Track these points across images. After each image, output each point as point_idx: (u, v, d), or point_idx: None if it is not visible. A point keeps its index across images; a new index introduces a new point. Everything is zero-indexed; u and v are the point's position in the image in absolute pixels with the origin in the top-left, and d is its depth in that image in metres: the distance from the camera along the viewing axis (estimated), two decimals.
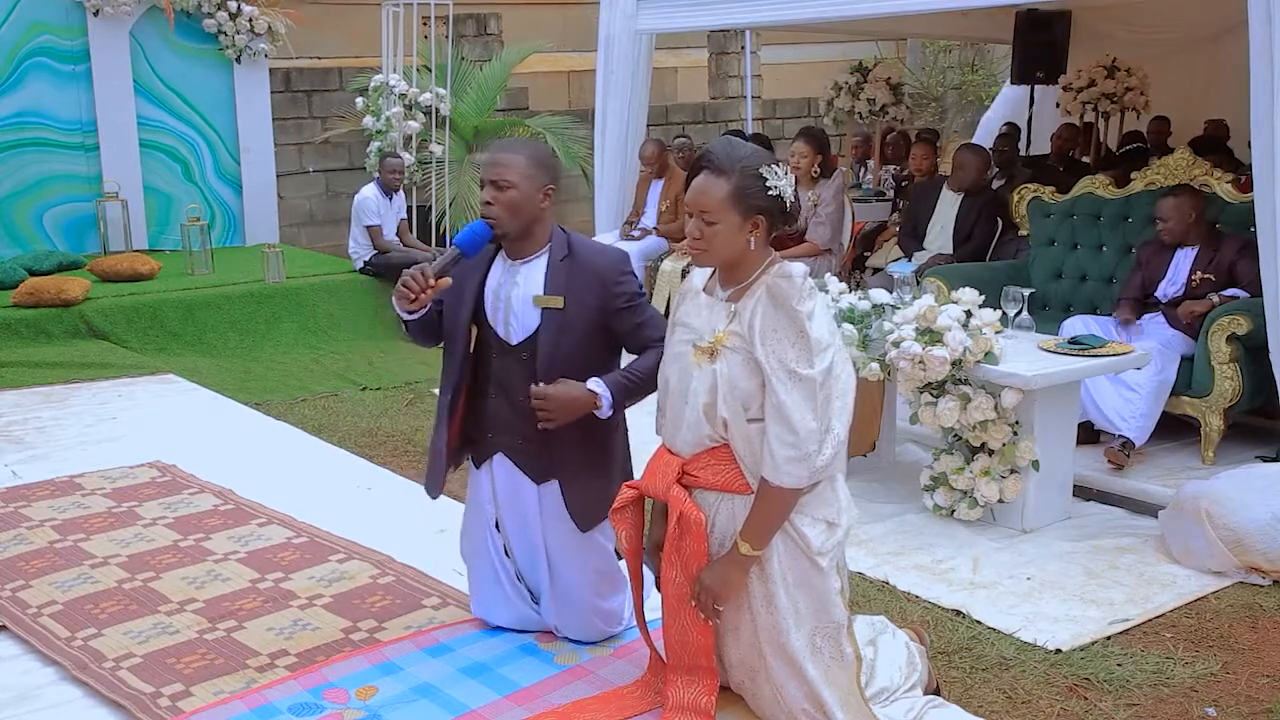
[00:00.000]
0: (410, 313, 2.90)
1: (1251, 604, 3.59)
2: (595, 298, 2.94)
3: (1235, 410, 4.71)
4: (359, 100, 9.46)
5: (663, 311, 6.52)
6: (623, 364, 3.02)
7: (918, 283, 4.83)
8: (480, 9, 11.40)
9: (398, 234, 8.01)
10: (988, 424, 4.10)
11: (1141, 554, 3.95)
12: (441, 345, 3.10)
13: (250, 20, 8.77)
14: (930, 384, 4.19)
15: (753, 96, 11.75)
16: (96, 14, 8.27)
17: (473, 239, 2.91)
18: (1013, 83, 9.73)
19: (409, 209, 8.47)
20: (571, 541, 3.05)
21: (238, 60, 8.91)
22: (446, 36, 9.51)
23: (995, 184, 7.30)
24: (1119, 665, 3.18)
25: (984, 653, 3.24)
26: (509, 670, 3.04)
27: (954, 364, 4.06)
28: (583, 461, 2.99)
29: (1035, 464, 4.10)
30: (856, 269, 7.54)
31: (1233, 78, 5.49)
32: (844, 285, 4.66)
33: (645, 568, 2.86)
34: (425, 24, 9.29)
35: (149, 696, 2.93)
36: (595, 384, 2.87)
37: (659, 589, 2.74)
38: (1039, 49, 8.81)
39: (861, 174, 10.12)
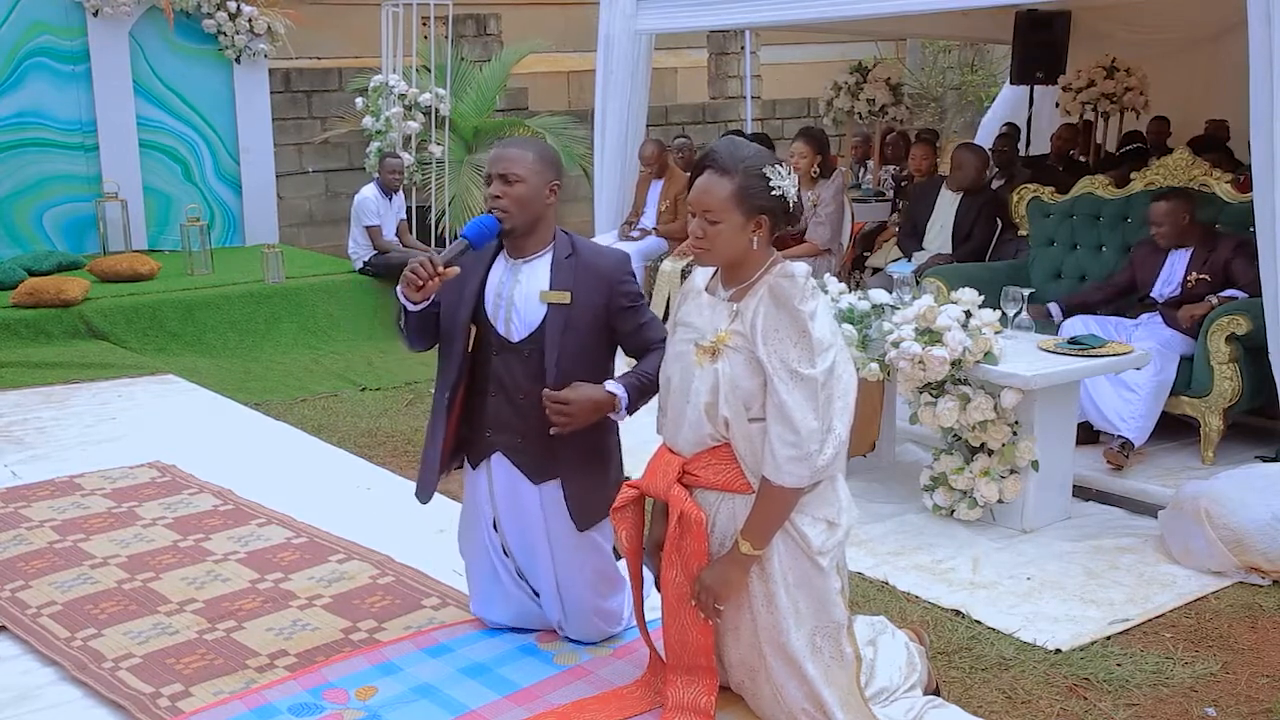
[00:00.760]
0: (414, 302, 2.91)
1: (1251, 604, 3.59)
2: (601, 296, 2.95)
3: (1235, 410, 4.71)
4: (358, 100, 9.47)
5: (662, 312, 6.53)
6: (616, 367, 3.02)
7: (917, 283, 4.84)
8: (480, 9, 11.41)
9: (397, 234, 8.01)
10: (987, 424, 4.10)
11: (1141, 554, 3.95)
12: (438, 345, 3.10)
13: (250, 20, 8.78)
14: (930, 384, 4.19)
15: (752, 97, 11.75)
16: (96, 14, 8.27)
17: (480, 231, 2.92)
18: (1012, 83, 9.74)
19: (408, 209, 8.47)
20: (572, 541, 3.05)
21: (237, 60, 8.91)
22: (446, 37, 9.51)
23: (995, 184, 7.30)
24: (1119, 665, 3.19)
25: (984, 653, 3.25)
26: (509, 670, 3.04)
27: (953, 364, 4.06)
28: (582, 461, 2.99)
29: (1035, 464, 4.10)
30: (856, 269, 7.54)
31: (1233, 78, 5.49)
32: (843, 285, 4.66)
33: (645, 567, 2.86)
34: (425, 24, 9.29)
35: (148, 697, 2.93)
36: (613, 386, 2.88)
37: (658, 589, 2.74)
38: (1038, 49, 8.81)
39: (861, 174, 10.13)
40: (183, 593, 3.56)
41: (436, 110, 9.19)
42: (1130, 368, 4.46)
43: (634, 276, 3.05)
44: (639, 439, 3.13)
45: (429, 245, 8.50)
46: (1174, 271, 5.00)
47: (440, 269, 2.83)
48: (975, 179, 6.43)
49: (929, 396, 4.22)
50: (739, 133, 9.28)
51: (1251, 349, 4.62)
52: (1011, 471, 4.12)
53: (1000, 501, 4.14)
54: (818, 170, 6.54)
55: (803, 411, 2.44)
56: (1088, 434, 4.72)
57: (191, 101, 8.84)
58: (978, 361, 4.07)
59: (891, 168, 9.42)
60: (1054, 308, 5.31)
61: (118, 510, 4.29)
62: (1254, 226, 4.47)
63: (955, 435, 4.25)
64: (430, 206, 9.19)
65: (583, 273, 2.96)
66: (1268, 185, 4.24)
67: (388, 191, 7.89)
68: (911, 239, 6.70)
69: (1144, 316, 5.03)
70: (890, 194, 8.91)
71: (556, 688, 2.95)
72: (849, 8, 6.34)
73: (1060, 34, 8.81)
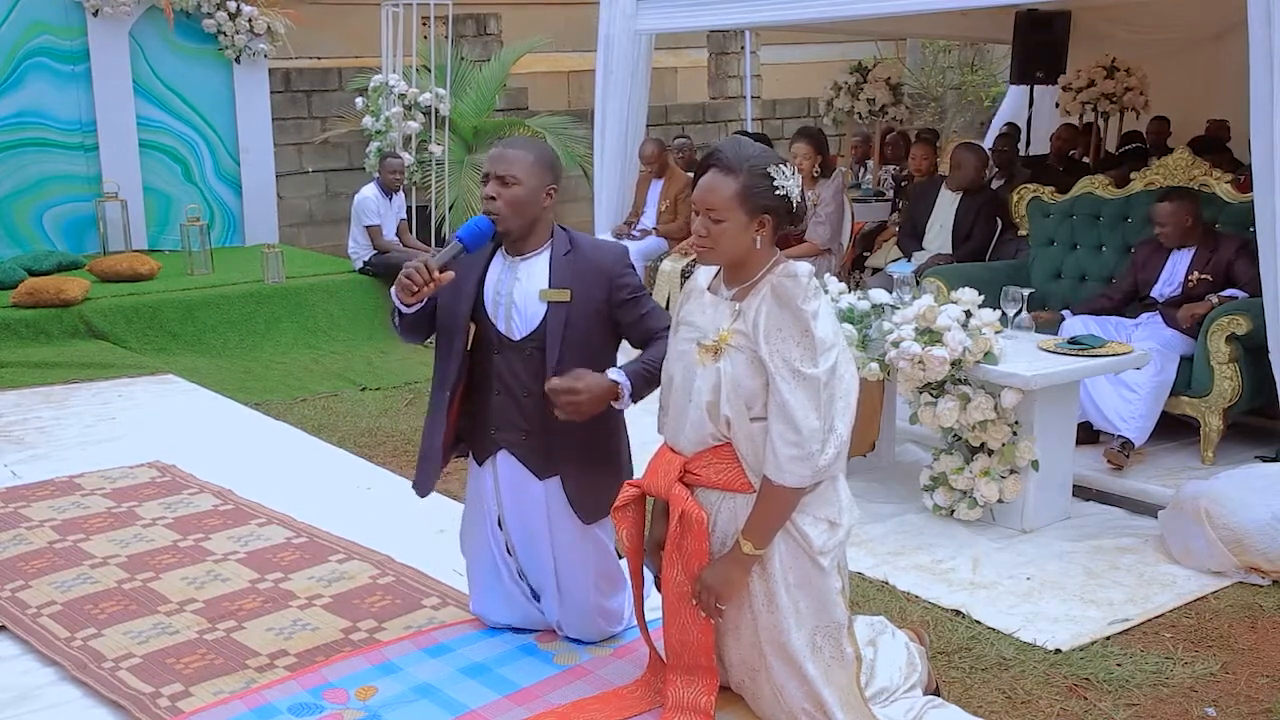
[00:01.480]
0: (409, 305, 2.90)
1: (1251, 604, 3.59)
2: (600, 291, 2.95)
3: (1235, 410, 4.71)
4: (358, 100, 9.47)
5: None
6: (619, 359, 3.02)
7: (917, 283, 4.83)
8: (480, 9, 11.41)
9: (397, 234, 8.01)
10: (987, 424, 4.10)
11: (1141, 554, 3.95)
12: (434, 343, 3.09)
13: (250, 20, 8.78)
14: (930, 384, 4.19)
15: (752, 96, 11.75)
16: (96, 14, 8.27)
17: (475, 233, 2.91)
18: (1012, 83, 9.73)
19: (408, 209, 8.47)
20: (575, 539, 3.06)
21: (237, 60, 8.91)
22: (446, 37, 9.51)
23: (995, 184, 7.30)
24: (1119, 665, 3.18)
25: (984, 653, 3.24)
26: (509, 670, 3.04)
27: (953, 364, 4.06)
28: (587, 455, 2.99)
29: (1035, 464, 4.10)
30: (856, 269, 7.54)
31: (1233, 78, 5.49)
32: (843, 285, 4.66)
33: (645, 567, 2.86)
34: (425, 24, 9.29)
35: (148, 696, 2.93)
36: (616, 374, 2.86)
37: (659, 588, 2.74)
38: (1038, 49, 8.80)
39: (861, 174, 10.13)
40: (183, 593, 3.56)
41: (436, 110, 9.19)
42: (1130, 368, 4.46)
43: (633, 269, 3.04)
44: (641, 438, 3.13)
45: (429, 245, 8.50)
46: (1175, 271, 5.00)
47: (435, 274, 2.83)
48: (974, 179, 6.43)
49: (929, 396, 4.22)
50: (744, 133, 9.29)
51: (1251, 349, 4.62)
52: (1011, 471, 4.12)
53: (1000, 501, 4.14)
54: (818, 170, 6.55)
55: (804, 411, 2.44)
56: (1088, 434, 4.72)
57: (191, 101, 8.84)
58: (978, 361, 4.07)
59: (891, 167, 9.42)
60: (1067, 314, 5.25)
61: (118, 510, 4.29)
62: (1254, 226, 4.47)
63: (955, 435, 4.25)
64: (430, 206, 9.19)
65: (581, 269, 2.96)
66: (1268, 185, 4.24)
67: (388, 191, 7.89)
68: (911, 239, 6.70)
69: (1144, 316, 5.03)
70: (890, 194, 8.91)
71: (556, 687, 2.95)
72: (849, 7, 6.34)
73: (1060, 34, 8.81)
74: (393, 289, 2.89)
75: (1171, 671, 3.16)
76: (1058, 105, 9.26)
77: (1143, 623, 3.46)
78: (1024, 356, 4.21)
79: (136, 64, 8.54)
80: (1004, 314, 4.44)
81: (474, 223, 2.92)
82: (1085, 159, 8.95)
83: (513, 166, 2.91)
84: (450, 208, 9.21)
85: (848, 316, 4.38)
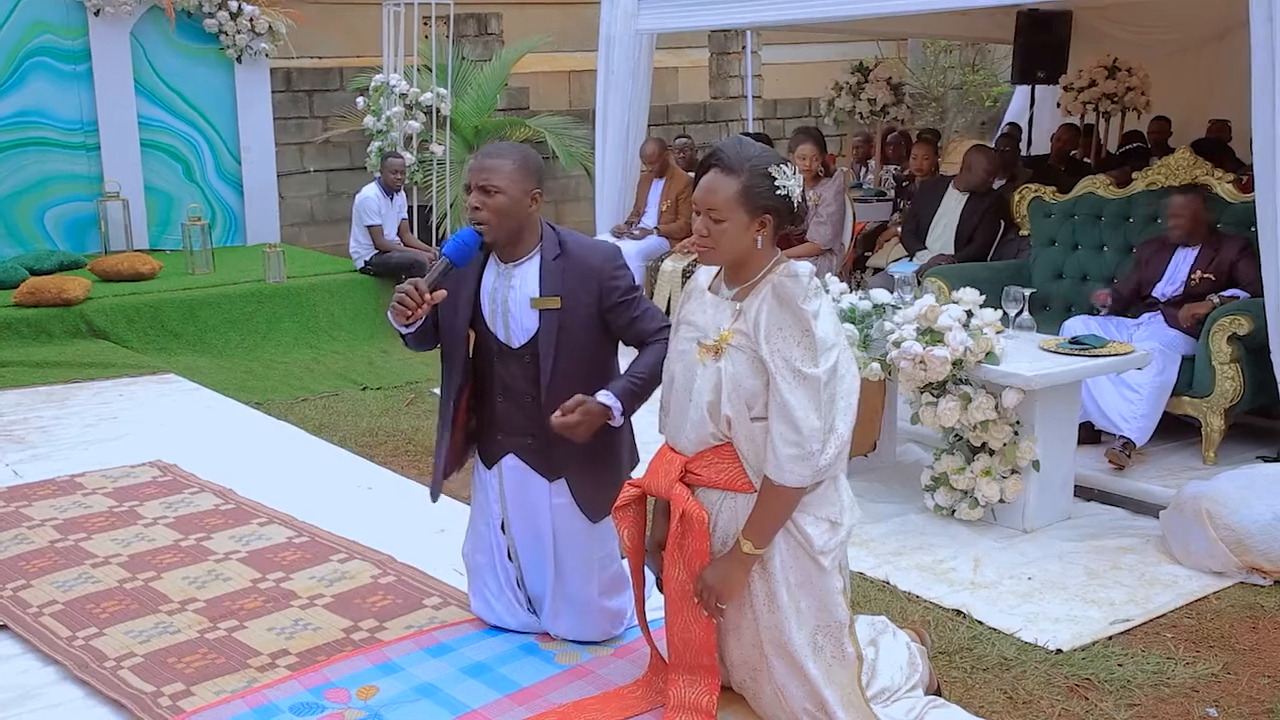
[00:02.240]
0: (406, 327, 2.90)
1: (1252, 604, 3.59)
2: (591, 294, 2.93)
3: (1236, 410, 4.71)
4: (360, 100, 9.47)
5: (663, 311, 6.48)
6: (620, 361, 3.02)
7: (919, 283, 4.83)
8: (481, 9, 11.40)
9: (398, 234, 8.01)
10: (989, 424, 4.10)
11: (1142, 554, 3.95)
12: (441, 352, 3.10)
13: (251, 20, 8.78)
14: (931, 384, 4.19)
15: (753, 96, 11.75)
16: (97, 14, 8.27)
17: (461, 248, 2.88)
18: (1013, 83, 9.73)
19: (410, 209, 8.47)
20: (580, 540, 3.06)
21: (239, 60, 8.91)
22: (447, 36, 9.51)
23: (996, 184, 7.30)
24: (1120, 665, 3.18)
25: (985, 653, 3.24)
26: (510, 670, 3.04)
27: (955, 364, 4.06)
28: (591, 455, 2.99)
29: (1036, 464, 4.10)
30: (857, 269, 7.54)
31: (1235, 78, 5.49)
32: (845, 285, 4.66)
33: (647, 567, 2.86)
34: (426, 24, 9.29)
35: (150, 696, 2.93)
36: (606, 397, 2.86)
37: (660, 588, 2.74)
38: (1040, 49, 8.80)
39: (862, 174, 10.12)
40: (184, 592, 3.56)
41: (438, 110, 9.20)
42: (1132, 368, 4.45)
43: (626, 269, 3.01)
44: (642, 438, 3.13)
45: (430, 245, 8.50)
46: (1178, 270, 5.00)
47: (427, 295, 2.82)
48: (984, 180, 6.43)
49: (930, 396, 4.22)
50: (745, 133, 9.29)
51: (1253, 349, 4.62)
52: (1013, 471, 4.12)
53: (1001, 501, 4.14)
54: (820, 169, 6.55)
55: (805, 411, 2.44)
56: (1089, 434, 4.72)
57: (193, 101, 8.85)
58: (979, 361, 4.07)
59: (893, 167, 9.42)
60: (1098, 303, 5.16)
61: (119, 509, 4.30)
62: (1255, 227, 4.46)
63: (956, 435, 4.25)
64: (431, 206, 9.19)
65: (571, 273, 2.94)
66: (1269, 185, 4.24)
67: (389, 191, 7.89)
68: (915, 238, 6.70)
69: (1145, 316, 5.02)
70: (891, 194, 8.91)
71: (558, 687, 2.95)
72: (850, 7, 6.34)
73: (1061, 34, 8.80)
74: (389, 312, 2.89)
75: (1173, 672, 3.16)
76: (1059, 105, 9.26)
77: (1144, 623, 3.46)
78: (1025, 356, 4.20)
79: (138, 63, 8.55)
80: (1005, 314, 4.43)
81: (459, 237, 2.89)
82: (1087, 159, 8.95)
83: (494, 176, 2.88)
84: (451, 207, 9.21)
85: (849, 316, 4.37)
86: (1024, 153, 8.87)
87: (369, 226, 7.80)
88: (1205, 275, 4.90)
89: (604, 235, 7.42)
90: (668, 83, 13.64)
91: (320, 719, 2.82)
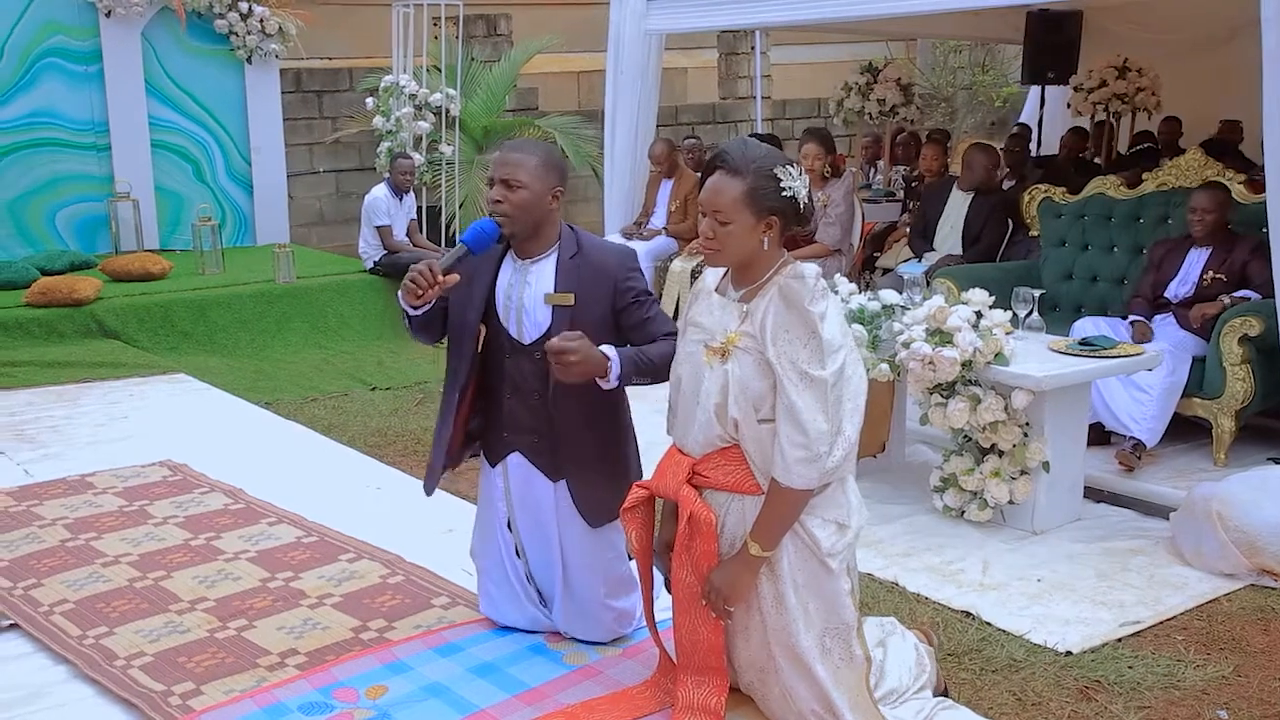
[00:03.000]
0: (415, 308, 2.90)
1: (1263, 606, 3.57)
2: (605, 294, 2.94)
3: (1247, 412, 4.69)
4: (369, 101, 9.49)
5: (672, 312, 6.50)
6: None
7: (928, 283, 4.82)
8: (490, 10, 11.42)
9: (408, 234, 8.02)
10: (998, 425, 4.09)
11: (1152, 556, 3.94)
12: (446, 343, 3.10)
13: (261, 21, 8.80)
14: (940, 385, 4.18)
15: (763, 97, 11.75)
16: (109, 15, 8.30)
17: (480, 236, 2.90)
18: (1023, 83, 9.71)
19: (419, 209, 8.48)
20: (586, 541, 3.06)
21: (249, 61, 8.93)
22: (457, 37, 9.52)
23: (1006, 184, 7.28)
24: (1130, 668, 3.17)
25: (994, 654, 3.24)
26: (518, 670, 3.04)
27: (964, 365, 4.05)
28: (595, 458, 2.99)
29: (1045, 465, 4.09)
30: (866, 270, 7.53)
31: (1246, 78, 5.46)
32: (854, 286, 4.65)
33: (655, 568, 2.86)
34: (435, 24, 9.30)
35: (160, 695, 2.94)
36: (609, 349, 2.81)
37: (668, 589, 2.74)
38: (1050, 49, 8.78)
39: (871, 174, 10.11)
40: (194, 591, 3.57)
41: (447, 110, 9.20)
42: (1142, 369, 4.44)
43: (639, 271, 3.01)
44: (649, 439, 3.13)
45: (439, 245, 8.52)
46: (1191, 271, 4.98)
47: (440, 277, 2.82)
48: (985, 179, 6.41)
49: (939, 397, 4.21)
50: (754, 134, 9.29)
51: (1264, 350, 4.60)
52: (1022, 473, 4.11)
53: (1011, 503, 4.13)
54: (828, 170, 6.54)
55: (812, 413, 2.43)
56: (1099, 435, 4.71)
57: (203, 101, 8.87)
58: (989, 362, 4.06)
59: (902, 168, 9.40)
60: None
61: (129, 509, 4.31)
62: (1267, 227, 4.45)
63: (966, 436, 4.24)
64: (440, 206, 9.20)
65: (587, 272, 2.95)
66: None
67: (398, 191, 7.90)
68: (922, 239, 6.69)
69: (1157, 317, 5.01)
70: (901, 194, 8.89)
71: (566, 687, 2.95)
72: (860, 8, 6.34)
73: (1072, 34, 8.78)
74: (399, 292, 2.89)
75: (1183, 674, 3.14)
76: (1069, 105, 9.24)
77: (1154, 625, 3.45)
78: (1035, 357, 4.19)
79: (149, 64, 8.57)
80: (1015, 315, 4.42)
81: (478, 225, 2.90)
82: (1097, 159, 8.92)
83: (517, 171, 2.89)
84: (460, 207, 9.22)
85: (858, 317, 4.37)
86: (1034, 153, 8.84)
87: (378, 227, 7.81)
88: (1217, 276, 4.88)
89: (613, 236, 7.44)
90: (677, 83, 13.64)
91: (329, 718, 2.82)
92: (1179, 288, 5.00)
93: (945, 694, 2.93)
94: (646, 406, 3.04)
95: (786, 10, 6.37)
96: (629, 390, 2.96)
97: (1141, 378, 4.60)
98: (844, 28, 9.42)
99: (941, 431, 4.38)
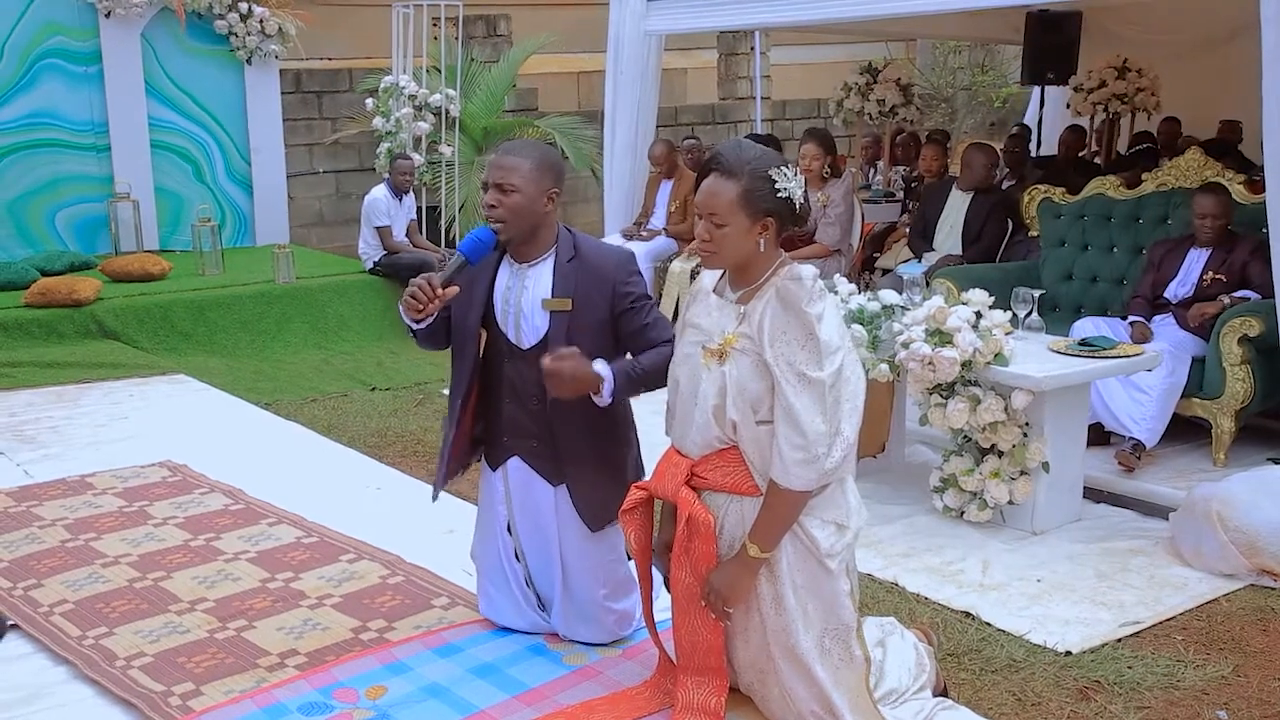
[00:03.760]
0: (418, 322, 2.90)
1: (1263, 607, 3.57)
2: (603, 298, 2.93)
3: (1247, 412, 4.69)
4: (369, 101, 9.49)
5: (671, 312, 6.51)
6: None
7: (927, 284, 4.82)
8: (490, 10, 11.42)
9: (407, 235, 8.02)
10: (998, 425, 4.09)
11: (1152, 556, 3.94)
12: (451, 350, 3.10)
13: (261, 22, 8.80)
14: (940, 385, 4.18)
15: (762, 97, 11.75)
16: (108, 15, 8.30)
17: (476, 246, 2.89)
18: (1023, 84, 9.72)
19: (419, 210, 8.48)
20: (586, 544, 3.06)
21: (248, 61, 8.93)
22: (456, 38, 9.53)
23: (1005, 185, 7.28)
24: (1129, 668, 3.17)
25: (993, 655, 3.24)
26: (518, 671, 3.04)
27: (964, 365, 4.05)
28: (595, 463, 2.99)
29: (1045, 465, 4.09)
30: (866, 270, 7.53)
31: (1245, 78, 5.47)
32: (853, 286, 4.65)
33: (654, 569, 2.86)
34: (435, 25, 9.30)
35: (160, 695, 2.94)
36: (602, 367, 2.81)
37: (668, 590, 2.74)
38: (1050, 50, 8.78)
39: (871, 175, 10.12)
40: (194, 592, 3.57)
41: (446, 111, 9.21)
42: (1142, 369, 4.44)
43: (638, 275, 3.00)
44: (647, 441, 3.13)
45: (439, 246, 8.52)
46: (1191, 271, 4.98)
47: (440, 290, 2.81)
48: (984, 178, 6.41)
49: (939, 398, 4.21)
50: (754, 135, 9.29)
51: (1264, 351, 4.60)
52: (1022, 473, 4.11)
53: (1010, 503, 4.14)
54: (828, 171, 6.54)
55: (810, 414, 2.43)
56: (1099, 435, 4.70)
57: (203, 102, 8.87)
58: (988, 363, 4.06)
59: (902, 168, 9.40)
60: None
61: (129, 509, 4.31)
62: (1267, 228, 4.45)
63: (965, 436, 4.24)
64: (440, 207, 9.20)
65: (584, 276, 2.93)
66: None
67: (398, 192, 7.91)
68: (922, 240, 6.69)
69: (1156, 318, 5.01)
70: (900, 195, 8.89)
71: (566, 688, 2.95)
72: (860, 8, 6.33)
73: (1071, 34, 8.78)
74: (400, 306, 2.88)
75: (1183, 674, 3.15)
76: (1068, 106, 9.24)
77: (1154, 625, 3.45)
78: (1034, 358, 4.19)
79: (148, 65, 8.57)
80: (1015, 315, 4.42)
81: (475, 235, 2.89)
82: (1096, 159, 8.92)
83: (511, 174, 2.86)
84: (460, 208, 9.22)
85: (858, 317, 4.37)
86: (1034, 154, 8.84)
87: (378, 227, 7.81)
88: (1217, 276, 4.88)
89: (612, 236, 7.44)
90: (676, 84, 13.64)
91: (329, 719, 2.82)
92: (1179, 288, 5.00)
93: (945, 694, 2.93)
94: (646, 408, 3.04)
95: (786, 11, 6.36)
96: None
97: (1141, 378, 4.60)
98: (843, 28, 9.43)
99: (941, 432, 4.38)
